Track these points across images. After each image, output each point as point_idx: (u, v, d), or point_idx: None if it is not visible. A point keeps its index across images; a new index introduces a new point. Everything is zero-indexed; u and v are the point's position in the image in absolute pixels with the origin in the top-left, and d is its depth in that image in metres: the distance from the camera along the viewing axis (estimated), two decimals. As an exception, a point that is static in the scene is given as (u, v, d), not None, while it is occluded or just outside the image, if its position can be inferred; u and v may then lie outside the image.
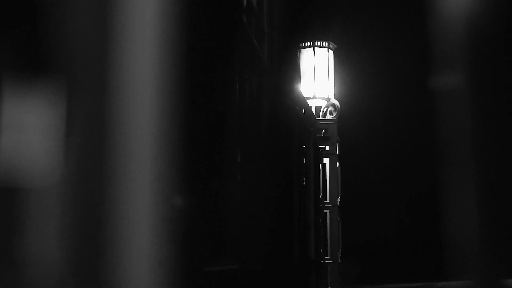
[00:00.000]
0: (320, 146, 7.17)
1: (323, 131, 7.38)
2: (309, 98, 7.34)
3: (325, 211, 7.20)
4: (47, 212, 1.33)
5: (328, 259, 7.15)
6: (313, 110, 7.21)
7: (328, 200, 7.27)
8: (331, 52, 7.70)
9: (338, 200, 7.35)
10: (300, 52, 7.50)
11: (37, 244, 1.37)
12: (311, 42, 7.59)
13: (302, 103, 5.77)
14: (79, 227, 1.30)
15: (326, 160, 7.34)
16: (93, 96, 1.32)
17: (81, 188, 1.30)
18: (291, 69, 5.11)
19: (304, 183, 5.69)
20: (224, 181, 2.60)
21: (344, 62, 8.09)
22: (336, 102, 7.58)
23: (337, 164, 7.39)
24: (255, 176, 3.51)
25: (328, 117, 7.51)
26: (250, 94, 3.46)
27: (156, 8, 1.40)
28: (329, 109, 7.55)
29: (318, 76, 7.60)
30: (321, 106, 7.56)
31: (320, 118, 7.44)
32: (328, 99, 7.60)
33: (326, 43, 7.65)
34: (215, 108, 2.33)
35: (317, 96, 7.58)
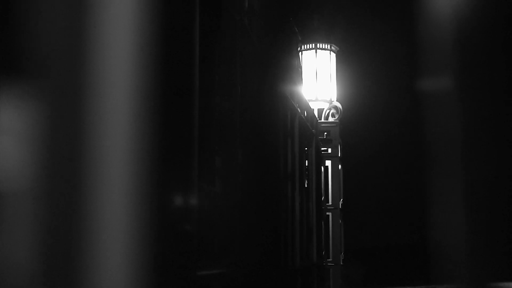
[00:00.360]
0: (322, 149, 7.15)
1: (325, 133, 7.37)
2: (311, 100, 7.33)
3: (327, 213, 7.18)
4: (20, 214, 1.31)
5: (330, 262, 7.13)
6: (315, 113, 7.20)
7: (330, 203, 7.25)
8: (333, 55, 7.69)
9: (340, 202, 7.33)
10: (302, 54, 7.50)
11: (10, 247, 1.35)
12: (313, 44, 7.58)
13: (304, 105, 5.76)
14: (52, 230, 1.28)
15: (328, 163, 7.33)
16: (67, 98, 1.31)
17: (55, 190, 1.29)
18: (292, 70, 5.10)
19: (306, 186, 5.68)
20: (210, 183, 2.59)
21: (346, 65, 8.08)
22: (338, 105, 7.56)
23: (339, 166, 7.38)
24: (248, 178, 3.50)
25: (330, 119, 7.50)
26: (242, 95, 3.45)
27: (133, 8, 1.38)
28: (331, 111, 7.53)
29: (320, 78, 7.60)
30: (323, 109, 7.55)
31: (322, 120, 7.43)
32: (330, 102, 7.59)
33: (328, 46, 7.64)
34: (198, 109, 2.32)
35: (319, 99, 7.57)
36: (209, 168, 2.61)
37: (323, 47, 7.62)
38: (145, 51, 1.38)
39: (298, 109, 5.12)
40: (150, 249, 1.36)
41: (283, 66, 4.53)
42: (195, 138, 2.31)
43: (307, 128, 5.72)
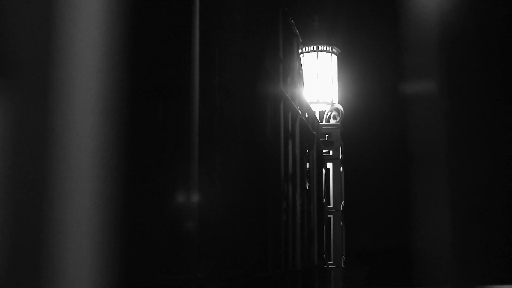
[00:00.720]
0: (324, 151, 7.14)
1: (327, 135, 7.36)
2: (312, 102, 7.32)
3: (328, 216, 7.17)
4: None
5: (331, 264, 7.12)
6: (317, 115, 7.19)
7: (331, 205, 7.24)
8: (334, 57, 7.69)
9: (342, 205, 7.32)
10: (303, 56, 7.49)
11: None
12: (315, 47, 7.58)
13: (305, 107, 5.76)
14: (16, 230, 1.27)
15: (329, 165, 7.32)
16: (34, 97, 1.29)
17: (19, 190, 1.27)
18: (293, 72, 5.10)
19: (307, 188, 5.67)
20: (209, 184, 2.58)
21: (348, 67, 8.08)
22: (340, 107, 7.56)
23: (341, 168, 7.37)
24: (248, 180, 3.49)
25: (332, 121, 7.50)
26: (243, 96, 3.45)
27: (101, 8, 1.37)
28: (333, 113, 7.53)
29: (321, 80, 7.59)
30: (325, 111, 7.54)
31: (324, 122, 7.42)
32: (332, 104, 7.58)
33: (330, 48, 7.64)
34: (199, 110, 2.32)
35: (320, 101, 7.56)
36: (209, 169, 2.61)
37: (325, 49, 7.61)
38: (113, 51, 1.37)
39: (299, 111, 5.12)
40: (115, 249, 1.35)
41: (284, 67, 4.53)
42: (195, 138, 2.31)
43: (308, 130, 5.71)
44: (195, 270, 2.32)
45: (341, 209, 7.29)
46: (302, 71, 6.50)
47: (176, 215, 2.21)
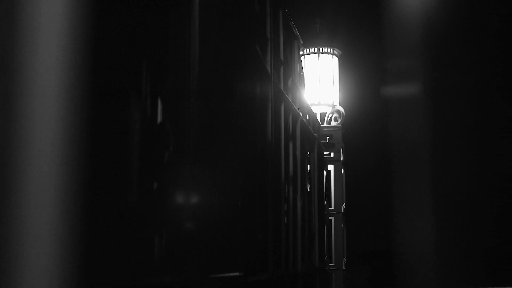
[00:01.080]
0: (325, 153, 7.13)
1: (328, 137, 7.35)
2: (313, 104, 7.31)
3: (329, 218, 7.16)
4: None
5: (332, 266, 7.11)
6: (318, 117, 7.19)
7: (332, 207, 7.23)
8: (335, 58, 7.68)
9: (343, 207, 7.31)
10: (304, 58, 7.49)
11: None
12: (316, 48, 7.57)
13: (306, 109, 5.75)
14: None
15: (330, 167, 7.31)
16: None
17: None
18: (294, 74, 5.10)
19: (308, 190, 5.66)
20: (208, 186, 2.57)
21: (349, 68, 8.07)
22: (341, 109, 7.55)
23: (342, 170, 7.36)
24: (249, 182, 3.48)
25: (333, 123, 7.49)
26: (244, 97, 3.44)
27: (63, 5, 1.36)
28: (334, 115, 7.52)
29: (322, 82, 7.58)
30: (326, 113, 7.54)
31: (325, 124, 7.42)
32: (333, 106, 7.58)
33: (331, 50, 7.63)
34: (199, 111, 2.31)
35: (321, 103, 7.56)
36: (209, 169, 2.60)
37: (326, 51, 7.61)
38: (76, 48, 1.35)
39: (300, 113, 5.11)
40: (79, 250, 1.33)
41: (285, 69, 4.52)
42: (195, 138, 2.30)
43: (309, 132, 5.71)
44: (194, 270, 2.31)
45: (342, 211, 7.28)
46: (303, 73, 6.48)
47: (175, 215, 2.20)
